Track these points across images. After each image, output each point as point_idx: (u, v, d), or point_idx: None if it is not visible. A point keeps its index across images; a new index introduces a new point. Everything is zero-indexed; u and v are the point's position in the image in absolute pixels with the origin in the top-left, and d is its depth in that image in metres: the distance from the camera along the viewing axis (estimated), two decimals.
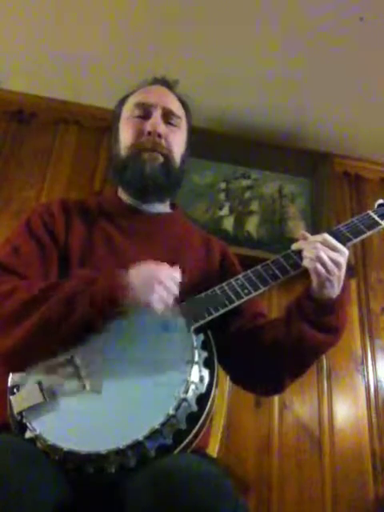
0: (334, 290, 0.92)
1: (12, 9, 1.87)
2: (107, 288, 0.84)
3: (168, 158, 1.12)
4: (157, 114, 1.13)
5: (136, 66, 2.01)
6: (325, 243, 0.91)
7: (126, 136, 1.14)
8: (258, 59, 1.95)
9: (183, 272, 1.07)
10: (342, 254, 0.91)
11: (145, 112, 1.14)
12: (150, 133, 1.11)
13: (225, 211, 2.22)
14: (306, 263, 0.91)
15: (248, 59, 1.96)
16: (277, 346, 0.97)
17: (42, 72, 2.15)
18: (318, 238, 0.92)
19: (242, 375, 1.05)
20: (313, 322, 0.93)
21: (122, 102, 1.22)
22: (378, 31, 1.78)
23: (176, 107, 1.18)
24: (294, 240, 0.98)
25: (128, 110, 1.17)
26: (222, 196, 2.27)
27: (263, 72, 2.01)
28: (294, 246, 0.97)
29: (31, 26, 1.93)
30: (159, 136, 1.11)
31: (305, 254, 0.92)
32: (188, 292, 0.93)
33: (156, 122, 1.12)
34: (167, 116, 1.14)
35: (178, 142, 1.16)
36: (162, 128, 1.12)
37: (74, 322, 0.81)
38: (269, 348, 0.98)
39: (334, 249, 0.91)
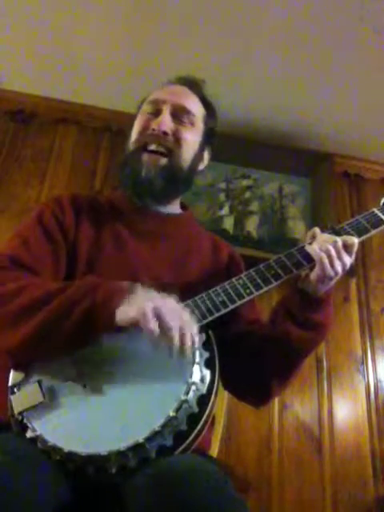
0: (326, 289, 0.93)
1: (12, 9, 1.87)
2: (107, 298, 0.80)
3: (173, 156, 1.07)
4: (166, 111, 1.08)
5: (136, 66, 2.01)
6: (337, 242, 0.91)
7: (133, 132, 1.12)
8: (258, 59, 1.95)
9: (190, 273, 1.06)
10: (350, 256, 0.91)
11: (155, 109, 1.10)
12: (154, 130, 1.07)
13: (225, 211, 2.22)
14: (313, 253, 0.91)
15: (248, 59, 1.96)
16: (264, 348, 0.96)
17: (42, 72, 2.15)
18: (332, 237, 0.92)
19: (232, 381, 1.03)
20: (298, 318, 0.93)
21: (143, 101, 1.18)
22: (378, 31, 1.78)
23: (191, 105, 1.12)
24: (294, 240, 0.98)
25: (142, 108, 1.15)
26: (222, 196, 2.27)
27: (263, 72, 2.01)
28: (308, 235, 0.97)
29: (31, 26, 1.93)
30: (164, 133, 1.06)
31: (314, 245, 0.92)
32: (194, 294, 0.92)
33: (163, 119, 1.07)
34: (178, 113, 1.09)
35: (188, 140, 1.09)
36: (168, 125, 1.07)
37: (72, 325, 0.79)
38: (256, 350, 0.97)
39: (344, 248, 0.91)
